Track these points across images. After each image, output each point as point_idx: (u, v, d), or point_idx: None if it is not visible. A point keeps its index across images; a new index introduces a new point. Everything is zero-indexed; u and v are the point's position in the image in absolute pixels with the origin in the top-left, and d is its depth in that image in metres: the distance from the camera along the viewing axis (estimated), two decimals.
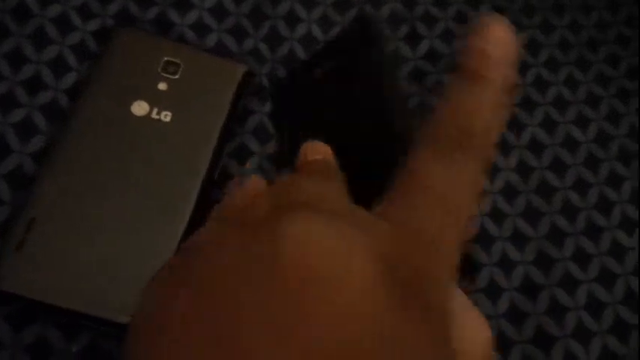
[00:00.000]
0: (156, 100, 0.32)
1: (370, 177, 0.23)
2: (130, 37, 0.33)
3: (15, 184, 0.31)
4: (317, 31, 0.38)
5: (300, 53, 0.37)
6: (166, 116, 0.32)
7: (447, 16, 0.41)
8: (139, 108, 0.31)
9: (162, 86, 0.32)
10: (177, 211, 0.30)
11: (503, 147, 0.36)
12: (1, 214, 0.30)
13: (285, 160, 0.32)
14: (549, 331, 0.32)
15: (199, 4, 0.37)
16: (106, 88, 0.32)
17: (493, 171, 0.35)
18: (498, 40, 0.18)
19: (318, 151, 0.22)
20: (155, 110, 0.32)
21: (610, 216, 0.35)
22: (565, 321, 0.32)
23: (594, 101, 0.39)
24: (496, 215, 0.34)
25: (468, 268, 0.29)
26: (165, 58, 0.33)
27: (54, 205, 0.29)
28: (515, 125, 0.37)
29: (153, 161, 0.31)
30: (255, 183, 0.23)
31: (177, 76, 0.33)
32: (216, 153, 0.32)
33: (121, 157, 0.30)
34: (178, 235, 0.29)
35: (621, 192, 0.36)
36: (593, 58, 0.41)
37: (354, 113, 0.27)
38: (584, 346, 0.31)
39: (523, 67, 0.40)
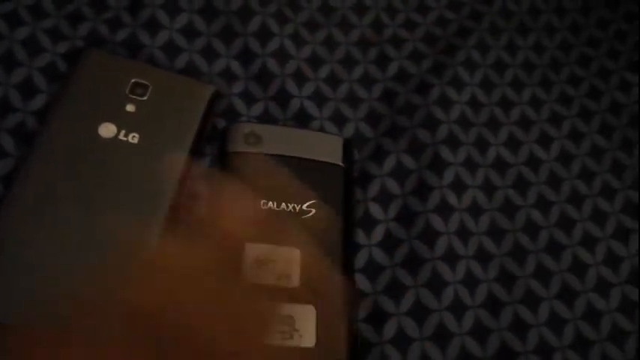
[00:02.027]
0: (123, 121, 0.32)
1: None
2: (98, 58, 0.34)
3: None
4: (290, 46, 0.39)
5: (273, 68, 0.38)
6: (134, 138, 0.32)
7: (415, 38, 0.42)
8: (107, 130, 0.32)
9: (130, 108, 0.33)
10: (146, 232, 0.30)
11: (470, 164, 0.37)
12: None
13: None
14: (512, 347, 0.32)
15: (169, 25, 0.37)
16: (74, 110, 0.32)
17: (461, 189, 0.36)
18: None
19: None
20: (123, 132, 0.32)
21: (571, 234, 0.36)
22: (527, 337, 0.33)
23: (557, 120, 0.40)
24: (463, 233, 0.35)
25: None
26: (133, 80, 0.33)
27: (22, 229, 0.29)
28: (481, 144, 0.38)
29: (121, 183, 0.31)
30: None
31: (145, 98, 0.33)
32: (185, 174, 0.32)
33: (89, 180, 0.31)
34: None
35: (582, 210, 0.37)
36: (555, 78, 0.42)
37: None
38: None
39: (489, 87, 0.41)
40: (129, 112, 0.32)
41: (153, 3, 0.37)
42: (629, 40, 0.44)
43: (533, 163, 0.38)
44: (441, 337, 0.32)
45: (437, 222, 0.35)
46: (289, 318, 0.30)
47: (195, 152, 0.33)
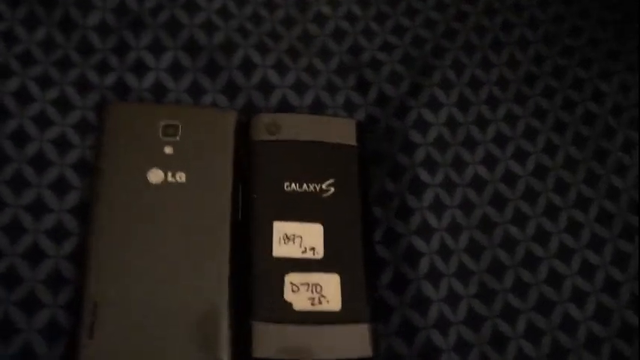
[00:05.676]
0: (167, 164, 0.34)
1: None
2: (124, 109, 0.36)
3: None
4: (274, 77, 0.40)
5: (258, 101, 0.39)
6: (181, 177, 0.34)
7: (394, 60, 0.43)
8: (155, 176, 0.34)
9: (167, 150, 0.35)
10: (217, 258, 0.33)
11: (448, 185, 0.39)
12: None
13: None
14: None
15: (155, 65, 0.39)
16: (119, 166, 0.34)
17: (440, 209, 0.38)
18: None
19: None
20: (170, 174, 0.34)
21: (547, 246, 0.38)
22: (507, 349, 0.35)
23: (532, 135, 0.42)
24: (444, 252, 0.37)
25: None
26: (163, 123, 0.35)
27: (110, 287, 0.31)
28: (458, 164, 0.40)
29: (184, 222, 0.33)
30: None
31: (177, 138, 0.35)
32: (235, 196, 0.35)
33: (155, 227, 0.33)
34: (225, 277, 0.32)
35: (558, 222, 0.39)
36: (530, 92, 0.43)
37: None
38: None
39: (465, 106, 0.42)
40: (168, 155, 0.34)
41: (138, 45, 0.39)
42: (601, 47, 0.46)
43: (510, 178, 0.40)
44: (429, 355, 0.34)
45: (419, 243, 0.36)
46: (317, 286, 0.33)
47: (238, 172, 0.35)
